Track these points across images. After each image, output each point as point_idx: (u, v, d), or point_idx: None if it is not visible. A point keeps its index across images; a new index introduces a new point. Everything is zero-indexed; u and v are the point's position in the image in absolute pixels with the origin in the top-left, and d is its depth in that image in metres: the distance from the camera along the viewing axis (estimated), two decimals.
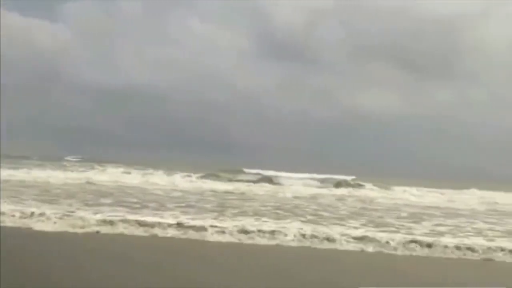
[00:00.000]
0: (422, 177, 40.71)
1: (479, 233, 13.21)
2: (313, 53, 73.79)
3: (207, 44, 77.03)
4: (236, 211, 15.50)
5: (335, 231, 11.66)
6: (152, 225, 11.11)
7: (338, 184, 32.21)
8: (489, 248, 10.62)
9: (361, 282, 7.41)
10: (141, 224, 11.09)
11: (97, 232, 10.30)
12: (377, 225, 13.73)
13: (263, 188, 26.15)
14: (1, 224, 10.56)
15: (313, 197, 23.32)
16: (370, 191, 28.32)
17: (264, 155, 58.76)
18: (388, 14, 70.06)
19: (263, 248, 10.01)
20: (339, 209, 18.26)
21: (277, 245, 10.27)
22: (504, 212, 20.88)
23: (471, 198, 26.70)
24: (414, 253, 10.20)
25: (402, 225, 13.98)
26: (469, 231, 13.46)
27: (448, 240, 11.22)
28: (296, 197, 22.81)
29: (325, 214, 16.24)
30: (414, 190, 29.01)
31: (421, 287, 7.58)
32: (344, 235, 11.02)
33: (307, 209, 17.41)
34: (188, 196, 20.11)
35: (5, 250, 7.97)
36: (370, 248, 10.26)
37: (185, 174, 31.29)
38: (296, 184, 30.55)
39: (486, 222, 16.23)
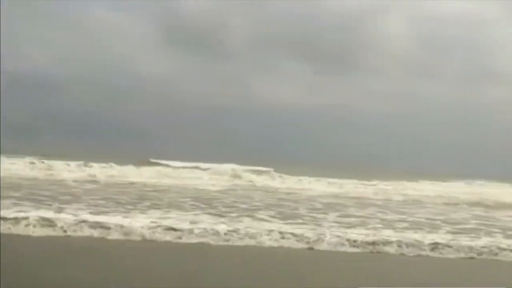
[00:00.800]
0: (321, 166, 42.08)
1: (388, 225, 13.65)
2: (219, 41, 73.98)
3: (111, 30, 74.85)
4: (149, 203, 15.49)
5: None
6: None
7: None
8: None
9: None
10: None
11: None
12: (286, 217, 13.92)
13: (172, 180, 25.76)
14: None
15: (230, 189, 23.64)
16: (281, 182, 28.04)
17: (171, 144, 58.27)
18: (296, 7, 71.37)
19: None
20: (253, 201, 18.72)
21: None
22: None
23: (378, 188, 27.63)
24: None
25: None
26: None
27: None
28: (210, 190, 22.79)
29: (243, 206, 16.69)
30: (313, 179, 29.07)
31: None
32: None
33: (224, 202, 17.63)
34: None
35: None
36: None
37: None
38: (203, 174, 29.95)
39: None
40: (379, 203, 20.90)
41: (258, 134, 66.38)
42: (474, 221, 15.83)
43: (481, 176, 37.36)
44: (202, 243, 10.01)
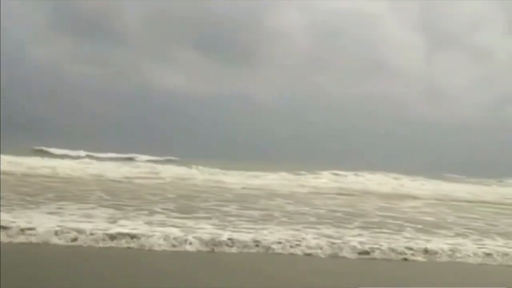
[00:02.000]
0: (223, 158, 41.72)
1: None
2: (113, 28, 71.36)
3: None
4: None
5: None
6: None
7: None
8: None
9: None
10: None
11: None
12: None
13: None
14: None
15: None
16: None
17: (62, 132, 55.45)
18: None
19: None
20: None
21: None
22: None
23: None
24: None
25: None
26: None
27: None
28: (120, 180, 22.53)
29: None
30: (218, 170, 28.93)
31: None
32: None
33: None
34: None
35: None
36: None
37: None
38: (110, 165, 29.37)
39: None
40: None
41: (153, 123, 64.72)
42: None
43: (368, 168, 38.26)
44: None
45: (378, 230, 12.67)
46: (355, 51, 73.05)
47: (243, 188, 22.92)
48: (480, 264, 10.27)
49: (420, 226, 13.96)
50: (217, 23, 68.83)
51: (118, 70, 73.33)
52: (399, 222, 14.68)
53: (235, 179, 25.77)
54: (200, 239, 9.70)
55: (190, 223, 11.49)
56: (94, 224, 10.33)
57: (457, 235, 13.00)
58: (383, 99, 69.52)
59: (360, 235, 11.68)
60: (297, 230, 11.66)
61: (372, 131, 63.91)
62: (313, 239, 10.50)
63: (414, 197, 24.65)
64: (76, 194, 16.09)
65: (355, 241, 10.57)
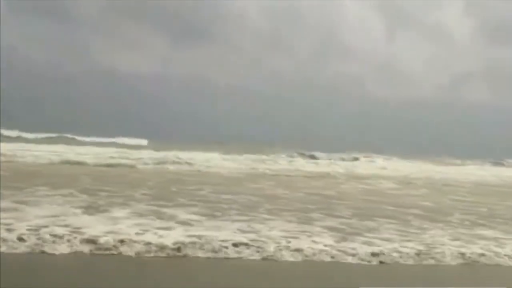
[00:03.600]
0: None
1: None
2: (68, 8, 67.37)
3: None
4: None
5: None
6: None
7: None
8: None
9: None
10: None
11: None
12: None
13: None
14: None
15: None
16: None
17: (23, 115, 51.98)
18: None
19: None
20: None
21: None
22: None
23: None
24: None
25: None
26: None
27: None
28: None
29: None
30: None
31: None
32: None
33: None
34: None
35: None
36: None
37: None
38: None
39: None
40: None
41: (113, 105, 61.71)
42: None
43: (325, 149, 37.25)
44: None
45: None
46: (314, 33, 71.87)
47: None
48: None
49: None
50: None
51: (70, 50, 69.58)
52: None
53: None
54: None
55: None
56: None
57: None
58: (342, 80, 68.66)
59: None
60: None
61: (332, 112, 63.02)
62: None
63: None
64: None
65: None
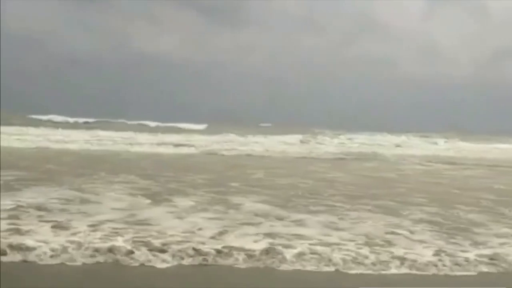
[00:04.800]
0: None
1: None
2: None
3: None
4: None
5: None
6: None
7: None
8: None
9: None
10: None
11: None
12: None
13: None
14: None
15: None
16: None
17: (55, 99, 52.32)
18: None
19: None
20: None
21: None
22: None
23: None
24: None
25: None
26: None
27: None
28: None
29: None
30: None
31: None
32: None
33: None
34: None
35: None
36: None
37: None
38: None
39: None
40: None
41: (150, 88, 61.52)
42: None
43: (366, 129, 36.22)
44: None
45: None
46: (348, 11, 70.20)
47: None
48: None
49: None
50: None
51: (106, 34, 69.41)
52: None
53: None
54: None
55: None
56: None
57: None
58: (377, 59, 67.03)
59: None
60: None
61: (366, 92, 61.62)
62: None
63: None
64: None
65: None
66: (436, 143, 30.79)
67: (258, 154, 21.64)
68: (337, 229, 7.24)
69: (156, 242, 5.92)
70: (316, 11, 72.28)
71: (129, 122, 36.83)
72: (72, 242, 5.73)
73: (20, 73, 57.11)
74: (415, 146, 28.12)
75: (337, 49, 69.91)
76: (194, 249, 5.71)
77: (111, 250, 5.57)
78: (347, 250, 6.08)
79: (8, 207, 7.61)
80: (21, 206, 7.76)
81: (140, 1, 69.80)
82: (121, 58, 66.13)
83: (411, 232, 7.24)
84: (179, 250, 5.67)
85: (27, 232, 6.12)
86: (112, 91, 59.47)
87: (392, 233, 7.12)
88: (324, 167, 17.34)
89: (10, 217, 6.90)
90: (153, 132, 27.83)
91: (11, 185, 9.92)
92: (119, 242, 5.85)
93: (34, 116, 34.97)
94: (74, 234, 6.16)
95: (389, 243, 6.49)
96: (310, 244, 6.18)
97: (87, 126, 32.47)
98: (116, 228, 6.55)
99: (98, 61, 61.82)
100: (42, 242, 5.69)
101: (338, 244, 6.33)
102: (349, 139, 30.57)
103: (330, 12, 71.97)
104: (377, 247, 6.25)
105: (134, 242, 5.91)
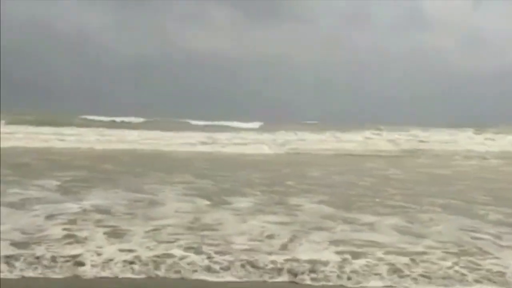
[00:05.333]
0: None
1: None
2: None
3: None
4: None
5: None
6: None
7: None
8: None
9: None
10: None
11: None
12: None
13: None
14: None
15: None
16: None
17: (104, 99, 52.84)
18: None
19: None
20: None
21: None
22: None
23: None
24: None
25: None
26: None
27: None
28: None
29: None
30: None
31: None
32: None
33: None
34: None
35: None
36: None
37: None
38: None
39: None
40: None
41: (193, 85, 61.60)
42: None
43: (417, 124, 34.82)
44: None
45: None
46: (395, 4, 68.66)
47: None
48: None
49: None
50: None
51: (150, 33, 69.90)
52: None
53: None
54: None
55: None
56: None
57: None
58: (427, 53, 65.21)
59: None
60: None
61: (417, 86, 60.10)
62: None
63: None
64: None
65: None
66: (489, 138, 29.53)
67: (309, 151, 21.20)
68: (415, 234, 6.53)
69: (220, 253, 5.43)
70: (364, 6, 70.80)
71: (181, 121, 36.69)
72: (130, 251, 5.35)
73: (69, 74, 57.96)
74: (466, 141, 27.05)
75: (386, 44, 68.39)
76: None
77: (170, 260, 5.12)
78: (438, 260, 5.34)
79: (70, 211, 7.43)
80: (84, 210, 7.57)
81: (188, 1, 69.74)
82: (170, 58, 66.40)
83: (497, 237, 6.50)
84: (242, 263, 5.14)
85: (84, 240, 5.76)
86: (163, 90, 59.75)
87: (477, 238, 6.44)
88: (379, 164, 16.81)
89: (70, 222, 6.68)
90: (205, 131, 27.58)
91: (69, 187, 9.80)
92: (178, 250, 5.43)
93: (87, 117, 35.28)
94: (131, 242, 5.75)
95: (481, 251, 5.72)
96: (387, 253, 5.54)
97: (137, 125, 32.53)
98: (177, 234, 6.22)
99: (148, 61, 62.20)
100: (95, 251, 5.32)
101: (423, 253, 5.61)
102: (401, 134, 29.68)
103: (380, 6, 70.42)
104: (467, 257, 5.48)
105: (194, 249, 5.50)
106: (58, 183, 10.15)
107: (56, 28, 64.94)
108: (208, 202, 8.56)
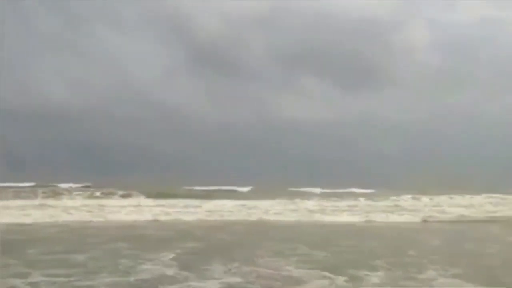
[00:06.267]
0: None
1: None
2: (238, 61, 69.26)
3: (127, 58, 70.16)
4: None
5: None
6: None
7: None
8: None
9: None
10: None
11: None
12: None
13: None
14: None
15: None
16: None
17: (196, 170, 53.66)
18: (313, 21, 66.75)
19: None
20: None
21: None
22: None
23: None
24: None
25: None
26: None
27: None
28: None
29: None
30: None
31: None
32: None
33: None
34: None
35: None
36: None
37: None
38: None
39: None
40: None
41: (285, 152, 61.52)
42: None
43: None
44: None
45: None
46: (489, 65, 66.06)
47: None
48: None
49: None
50: (340, 45, 65.05)
51: (243, 102, 71.42)
52: None
53: None
54: None
55: None
56: None
57: None
58: None
59: None
60: None
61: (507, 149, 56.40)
62: None
63: None
64: None
65: None
66: None
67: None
68: None
69: None
70: (453, 62, 68.61)
71: (291, 189, 36.06)
72: None
73: (171, 145, 59.89)
74: None
75: (478, 103, 65.51)
76: None
77: None
78: None
79: None
80: None
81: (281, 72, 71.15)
82: (266, 126, 67.34)
83: None
84: None
85: None
86: (264, 159, 60.24)
87: None
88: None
89: None
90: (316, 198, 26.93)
91: (186, 260, 9.58)
92: None
93: (192, 187, 35.76)
94: None
95: None
96: None
97: (242, 194, 32.49)
98: None
99: (244, 129, 63.21)
100: None
101: None
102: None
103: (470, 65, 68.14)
104: None
105: None
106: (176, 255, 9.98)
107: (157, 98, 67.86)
108: (344, 278, 7.97)
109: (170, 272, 8.36)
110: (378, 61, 68.63)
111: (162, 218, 19.33)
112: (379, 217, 20.26)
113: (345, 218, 20.12)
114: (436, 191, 27.75)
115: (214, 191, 33.33)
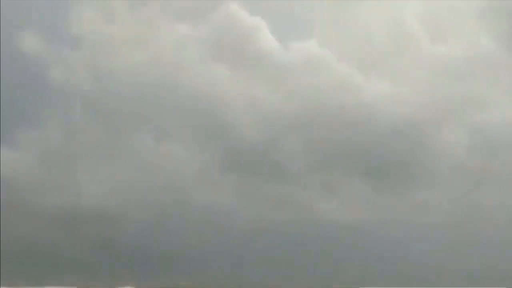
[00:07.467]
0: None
1: None
2: (274, 164, 69.74)
3: (164, 161, 71.22)
4: None
5: None
6: None
7: None
8: None
9: None
10: None
11: None
12: None
13: None
14: None
15: None
16: None
17: (235, 274, 52.99)
18: (349, 123, 67.55)
19: None
20: None
21: None
22: None
23: None
24: None
25: None
26: None
27: None
28: None
29: None
30: None
31: None
32: None
33: None
34: None
35: None
36: None
37: None
38: None
39: None
40: None
41: (326, 256, 60.07)
42: None
43: None
44: None
45: None
46: None
47: None
48: None
49: None
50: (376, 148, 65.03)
51: (285, 206, 70.84)
52: None
53: None
54: None
55: None
56: None
57: None
58: None
59: None
60: None
61: None
62: None
63: None
64: None
65: None
66: None
67: None
68: None
69: None
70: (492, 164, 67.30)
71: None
72: None
73: (210, 244, 59.19)
74: None
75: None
76: None
77: None
78: None
79: None
80: None
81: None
82: (300, 227, 66.37)
83: None
84: None
85: None
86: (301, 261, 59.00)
87: None
88: None
89: None
90: None
91: None
92: None
93: None
94: None
95: None
96: None
97: None
98: None
99: (282, 230, 62.40)
100: None
101: None
102: None
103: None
104: None
105: None
106: None
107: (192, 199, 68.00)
108: None
109: None
110: (412, 163, 67.74)
111: None
112: None
113: None
114: None
115: None
